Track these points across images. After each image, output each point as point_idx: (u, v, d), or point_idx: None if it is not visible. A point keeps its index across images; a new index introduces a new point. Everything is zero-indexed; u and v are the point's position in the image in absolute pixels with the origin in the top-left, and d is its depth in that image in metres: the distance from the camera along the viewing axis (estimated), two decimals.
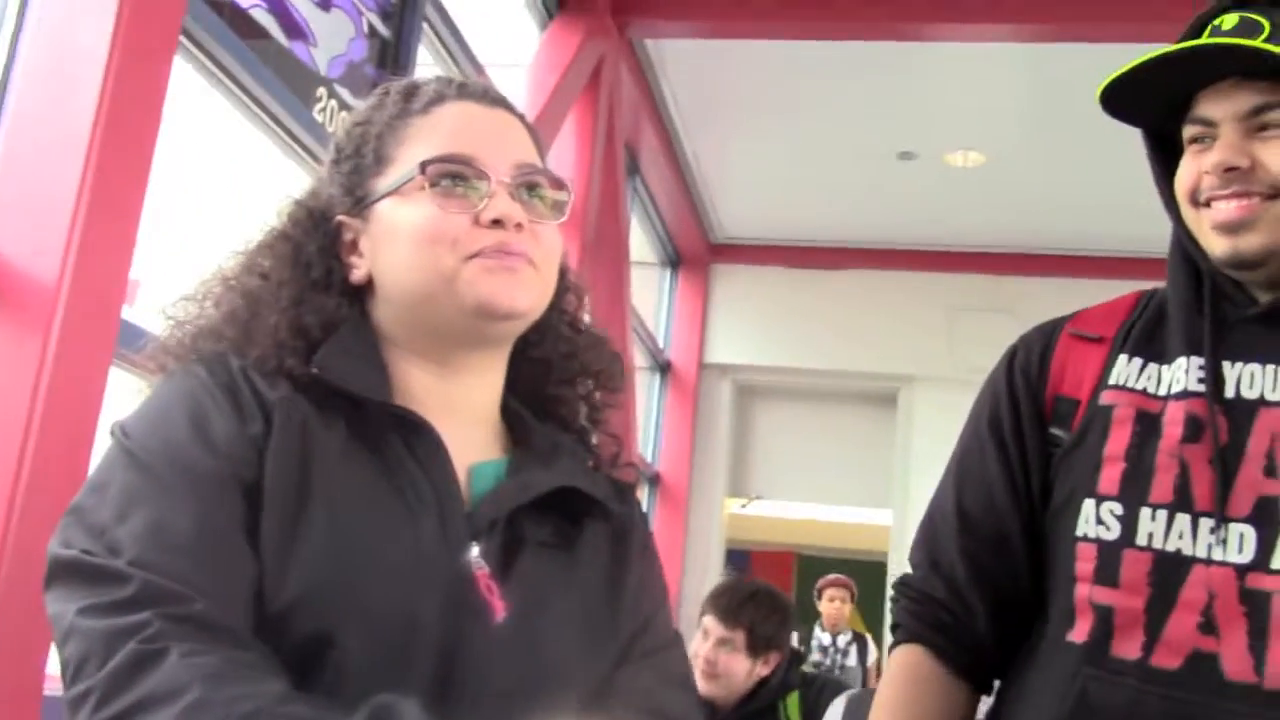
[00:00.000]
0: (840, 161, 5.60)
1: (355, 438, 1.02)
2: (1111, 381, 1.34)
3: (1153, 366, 1.33)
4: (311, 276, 1.09)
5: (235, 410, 0.99)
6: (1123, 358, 1.35)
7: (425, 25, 3.58)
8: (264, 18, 2.77)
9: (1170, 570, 1.22)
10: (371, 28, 3.29)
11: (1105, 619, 1.25)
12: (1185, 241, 1.34)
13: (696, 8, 4.51)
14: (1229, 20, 1.29)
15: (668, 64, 4.92)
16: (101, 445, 1.41)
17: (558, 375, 1.19)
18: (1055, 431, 1.37)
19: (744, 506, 7.40)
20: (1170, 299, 1.38)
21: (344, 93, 3.12)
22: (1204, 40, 1.28)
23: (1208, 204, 1.28)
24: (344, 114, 3.09)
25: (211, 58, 2.57)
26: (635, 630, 1.09)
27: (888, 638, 1.50)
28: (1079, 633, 1.27)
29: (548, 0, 4.37)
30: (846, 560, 8.32)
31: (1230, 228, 1.26)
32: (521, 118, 1.16)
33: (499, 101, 1.15)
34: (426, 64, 3.64)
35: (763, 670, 2.97)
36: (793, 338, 6.67)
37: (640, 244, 6.29)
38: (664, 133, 5.43)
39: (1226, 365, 1.29)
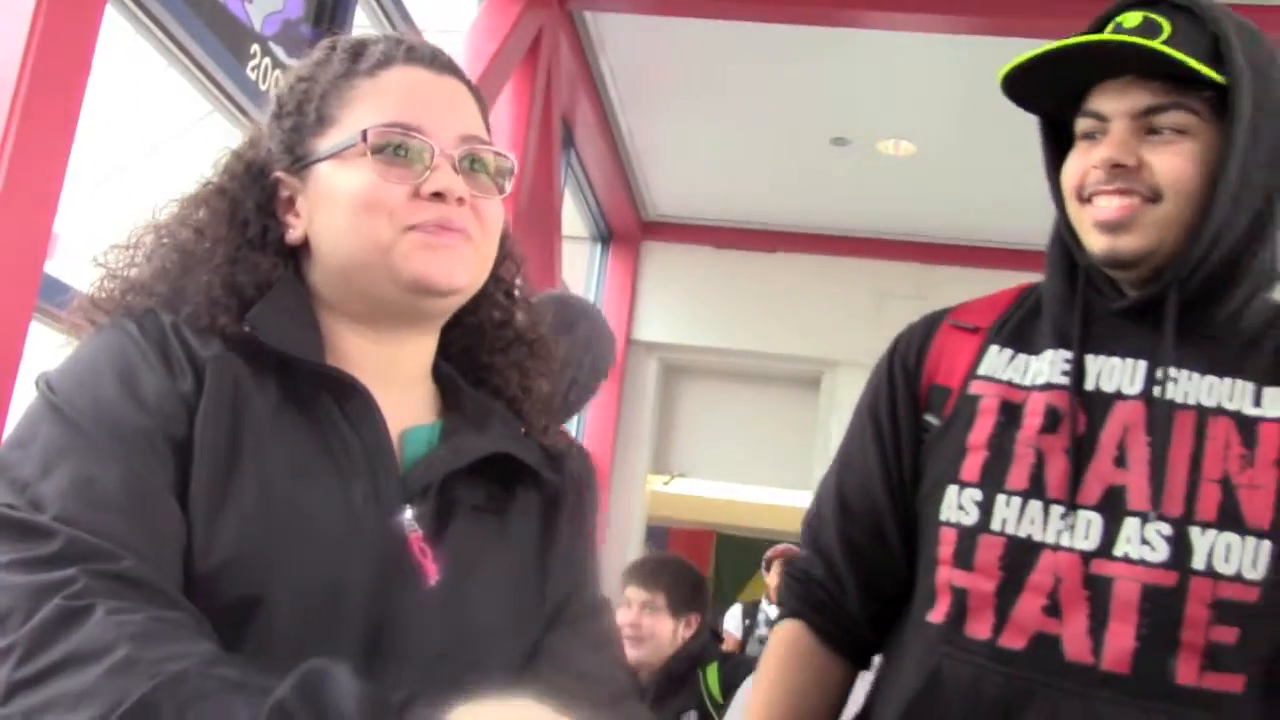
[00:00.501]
0: (775, 144, 5.63)
1: (288, 398, 1.00)
2: (980, 372, 1.38)
3: (1021, 358, 1.38)
4: (247, 234, 1.07)
5: (165, 366, 0.97)
6: (994, 348, 1.39)
7: None
8: None
9: (1021, 555, 1.28)
10: None
11: (960, 600, 1.30)
12: (1065, 234, 1.38)
13: None
14: (1132, 19, 1.32)
15: (606, 39, 4.91)
16: (21, 401, 1.38)
17: (490, 343, 1.19)
18: (928, 419, 1.41)
19: (666, 484, 7.44)
20: (1045, 291, 1.42)
21: (278, 50, 3.07)
22: (1105, 36, 1.31)
23: (1090, 199, 1.31)
24: (278, 71, 3.05)
25: (143, 7, 2.51)
26: (563, 595, 1.09)
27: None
28: (937, 613, 1.33)
29: None
30: (766, 540, 8.41)
31: (1110, 227, 1.29)
32: (470, 85, 1.14)
33: (448, 67, 1.13)
34: (363, 25, 3.59)
35: (685, 632, 3.10)
36: (721, 318, 6.70)
37: (572, 217, 6.27)
38: (600, 108, 5.41)
39: (1089, 358, 1.33)
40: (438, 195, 1.03)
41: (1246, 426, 1.29)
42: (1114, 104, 1.31)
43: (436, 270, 1.03)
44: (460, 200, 1.04)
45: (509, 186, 1.11)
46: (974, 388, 1.37)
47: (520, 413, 1.17)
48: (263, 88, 2.98)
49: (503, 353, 1.19)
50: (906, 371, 1.44)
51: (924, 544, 1.38)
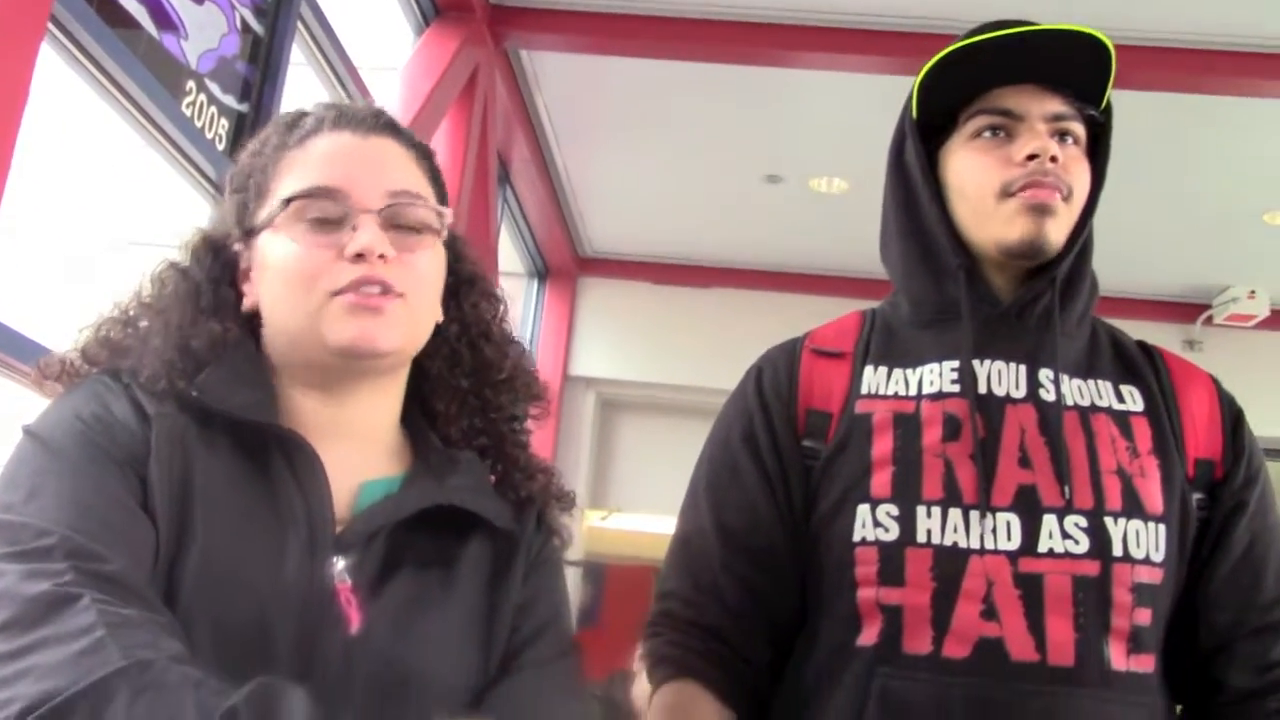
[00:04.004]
0: (709, 182, 5.68)
1: (239, 456, 1.03)
2: (864, 391, 1.38)
3: (899, 371, 1.39)
4: (200, 305, 1.11)
5: (133, 410, 1.02)
6: (868, 369, 1.40)
7: (299, 24, 3.53)
8: (134, 7, 2.70)
9: (950, 563, 1.27)
10: (244, 23, 3.23)
11: (894, 618, 1.28)
12: (943, 238, 1.39)
13: (572, 22, 4.54)
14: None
15: (542, 76, 4.94)
16: None
17: (444, 391, 1.20)
18: (809, 444, 1.39)
19: (603, 520, 7.42)
20: (911, 308, 1.44)
21: (214, 87, 3.06)
22: (1058, 25, 1.35)
23: (1022, 190, 1.34)
24: (214, 108, 3.04)
25: (78, 45, 2.49)
26: (521, 643, 1.09)
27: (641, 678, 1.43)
28: (868, 635, 1.29)
29: (424, 6, 4.35)
30: None
31: (1043, 209, 1.33)
32: (410, 142, 1.15)
33: (385, 128, 1.14)
34: (300, 63, 3.59)
35: None
36: (658, 353, 6.73)
37: (509, 254, 6.28)
38: (536, 144, 5.43)
39: (976, 363, 1.36)
40: (359, 256, 1.05)
41: (1121, 420, 1.35)
42: (1029, 105, 1.36)
43: (361, 336, 1.05)
44: (382, 257, 1.05)
45: (445, 233, 1.13)
46: (861, 407, 1.37)
47: (503, 457, 1.20)
48: (198, 124, 2.97)
49: (463, 398, 1.20)
50: (780, 398, 1.42)
51: (828, 568, 1.34)
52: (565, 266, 6.83)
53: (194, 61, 2.98)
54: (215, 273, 1.13)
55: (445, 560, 1.08)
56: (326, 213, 1.06)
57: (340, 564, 1.01)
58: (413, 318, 1.09)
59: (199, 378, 1.05)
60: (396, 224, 1.08)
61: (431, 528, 1.07)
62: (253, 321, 1.13)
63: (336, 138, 1.11)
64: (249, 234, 1.12)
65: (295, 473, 1.04)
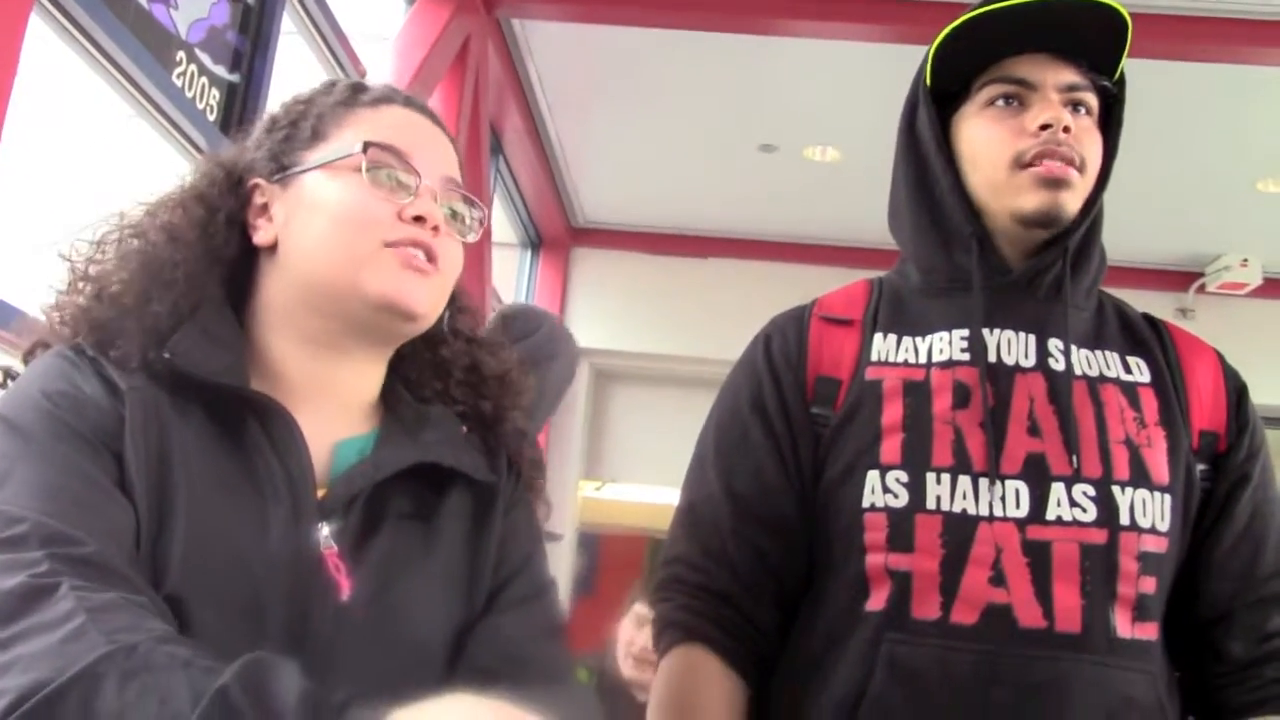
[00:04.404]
0: (703, 151, 5.66)
1: (213, 424, 1.03)
2: (873, 359, 1.39)
3: (908, 339, 1.39)
4: (211, 244, 1.10)
5: (102, 385, 1.01)
6: (878, 336, 1.41)
7: None
8: None
9: (959, 529, 1.28)
10: None
11: (903, 584, 1.28)
12: (956, 207, 1.39)
13: None
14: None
15: (534, 45, 4.91)
16: None
17: (426, 378, 1.22)
18: (818, 411, 1.39)
19: (597, 490, 7.44)
20: (921, 275, 1.44)
21: (204, 57, 3.05)
22: None
23: (1034, 161, 1.34)
24: (204, 79, 3.02)
25: (68, 15, 2.48)
26: (502, 580, 1.10)
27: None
28: (876, 601, 1.30)
29: None
30: None
31: (1059, 182, 1.33)
32: (453, 140, 1.21)
33: (437, 122, 1.19)
34: (290, 32, 3.57)
35: None
36: (651, 324, 6.72)
37: (501, 224, 6.27)
38: (529, 114, 5.41)
39: (986, 332, 1.36)
40: (419, 219, 1.08)
41: (1129, 391, 1.36)
42: (1043, 74, 1.36)
43: (406, 291, 1.07)
44: (435, 230, 1.09)
45: (474, 237, 1.17)
46: (870, 374, 1.37)
47: (472, 409, 1.20)
48: (189, 95, 2.95)
49: (438, 366, 1.22)
50: (789, 364, 1.42)
51: (837, 534, 1.34)
52: (558, 237, 6.82)
53: (184, 31, 2.96)
54: (230, 203, 1.12)
55: (425, 515, 1.09)
56: (396, 173, 1.10)
57: (325, 530, 1.01)
58: (442, 294, 1.13)
59: (172, 339, 1.03)
60: (445, 209, 1.13)
61: (409, 483, 1.08)
62: (245, 262, 1.13)
63: (410, 115, 1.16)
64: (285, 170, 1.12)
65: (273, 440, 1.03)
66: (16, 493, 0.90)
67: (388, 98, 1.17)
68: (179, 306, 1.06)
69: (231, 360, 1.06)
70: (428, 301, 1.09)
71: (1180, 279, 6.40)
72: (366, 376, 1.15)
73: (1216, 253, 6.18)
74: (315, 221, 1.09)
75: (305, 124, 1.14)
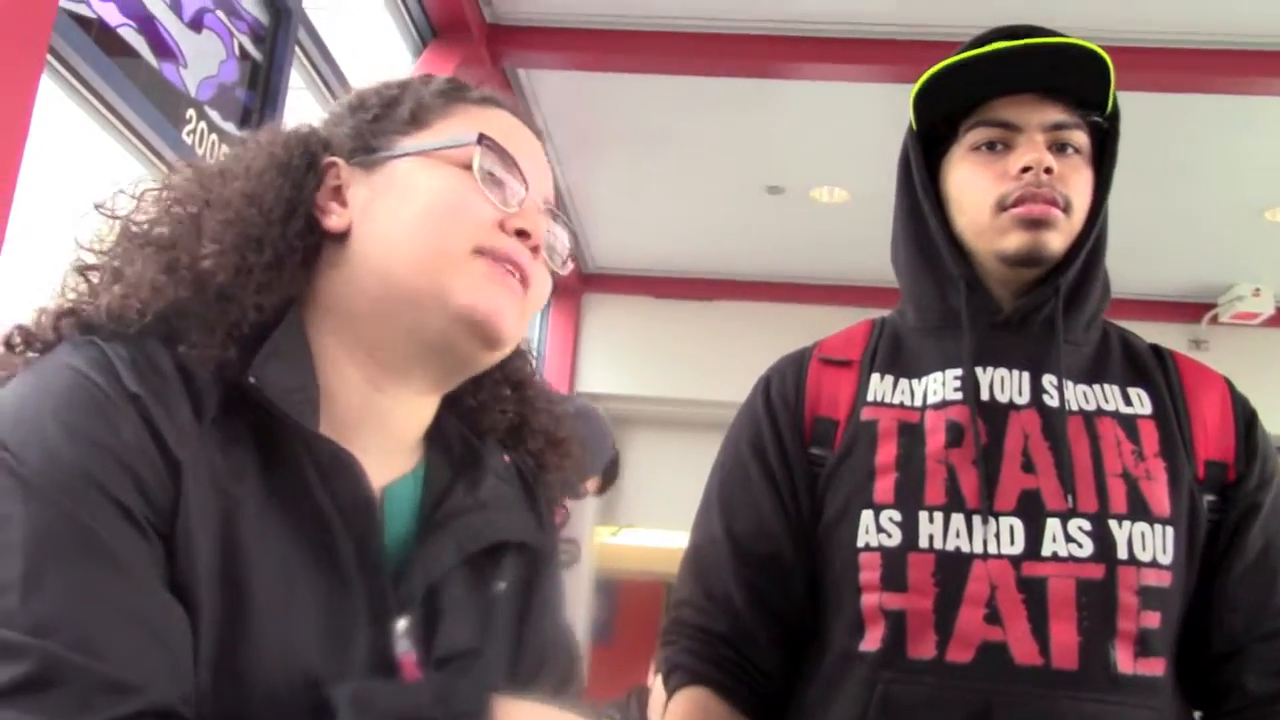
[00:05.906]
0: (711, 195, 5.68)
1: (268, 479, 0.85)
2: (870, 399, 1.39)
3: (904, 381, 1.40)
4: (288, 229, 0.94)
5: (150, 435, 0.79)
6: (875, 377, 1.41)
7: (297, 48, 3.55)
8: (133, 37, 2.72)
9: (953, 568, 1.27)
10: (243, 49, 3.24)
11: (897, 623, 1.28)
12: (945, 248, 1.40)
13: (569, 39, 4.55)
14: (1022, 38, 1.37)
15: (540, 95, 4.94)
16: None
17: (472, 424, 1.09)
18: (816, 451, 1.39)
19: (614, 536, 7.41)
20: (916, 314, 1.45)
21: (214, 114, 3.07)
22: (1044, 40, 1.35)
23: (1017, 204, 1.34)
24: (214, 136, 3.04)
25: (78, 76, 2.51)
26: (532, 671, 1.02)
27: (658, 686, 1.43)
28: (871, 640, 1.29)
29: (421, 28, 4.36)
30: None
31: (1040, 223, 1.33)
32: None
33: (541, 138, 1.08)
34: (299, 87, 3.61)
35: None
36: (664, 368, 6.72)
37: None
38: None
39: (979, 371, 1.36)
40: (522, 233, 0.95)
41: (1128, 424, 1.35)
42: (1027, 115, 1.36)
43: (495, 306, 0.93)
44: (536, 250, 0.97)
45: (566, 270, 1.05)
46: (866, 414, 1.38)
47: (520, 451, 1.09)
48: (199, 151, 2.97)
49: (518, 436, 1.10)
50: (788, 406, 1.42)
51: (834, 574, 1.34)
52: (569, 283, 6.83)
53: (194, 89, 2.99)
54: (303, 177, 0.97)
55: (480, 587, 0.98)
56: (504, 178, 0.97)
57: (402, 625, 0.88)
58: (526, 324, 0.99)
59: (256, 360, 0.86)
60: (544, 230, 1.00)
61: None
62: (306, 256, 0.95)
63: (518, 124, 1.04)
64: (373, 153, 0.98)
65: (339, 502, 0.87)
66: (37, 600, 0.69)
67: (495, 100, 1.04)
68: (263, 303, 0.91)
69: (304, 391, 0.89)
70: (513, 324, 0.95)
71: (1193, 310, 6.38)
72: (421, 410, 1.00)
73: (1228, 283, 6.17)
74: (404, 210, 0.94)
75: (402, 108, 1.00)
